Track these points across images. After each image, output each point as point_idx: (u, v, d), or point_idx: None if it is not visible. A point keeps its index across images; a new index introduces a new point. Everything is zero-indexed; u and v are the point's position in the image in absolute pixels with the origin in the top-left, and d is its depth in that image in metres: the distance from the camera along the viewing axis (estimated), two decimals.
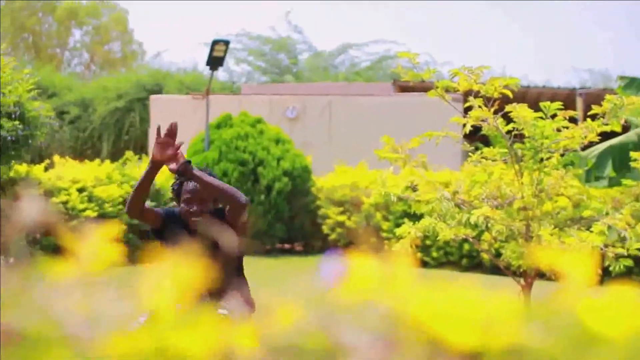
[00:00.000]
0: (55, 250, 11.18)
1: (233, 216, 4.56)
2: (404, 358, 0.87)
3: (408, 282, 0.94)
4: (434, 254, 13.01)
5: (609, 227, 6.31)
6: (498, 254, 7.22)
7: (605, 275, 5.79)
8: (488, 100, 6.47)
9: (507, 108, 6.40)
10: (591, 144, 8.29)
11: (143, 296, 0.96)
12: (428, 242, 12.60)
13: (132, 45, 45.25)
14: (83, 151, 21.03)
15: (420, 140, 7.15)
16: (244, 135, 14.48)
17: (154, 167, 4.56)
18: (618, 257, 6.19)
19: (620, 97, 6.47)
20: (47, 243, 11.31)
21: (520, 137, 6.60)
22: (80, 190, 12.12)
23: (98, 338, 0.88)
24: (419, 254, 12.56)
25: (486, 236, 7.19)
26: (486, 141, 12.82)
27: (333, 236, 14.23)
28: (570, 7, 67.55)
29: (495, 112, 6.46)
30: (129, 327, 3.32)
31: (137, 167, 13.78)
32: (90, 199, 12.18)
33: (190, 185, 4.59)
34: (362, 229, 13.67)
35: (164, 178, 11.83)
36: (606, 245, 6.21)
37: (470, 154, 7.05)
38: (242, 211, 4.53)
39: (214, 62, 14.86)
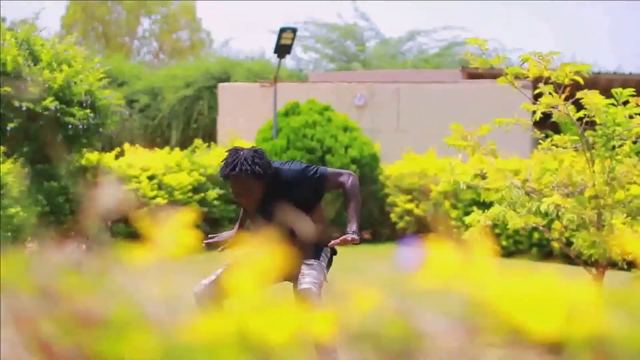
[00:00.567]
0: (127, 236, 11.32)
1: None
2: (484, 345, 0.87)
3: (487, 269, 0.93)
4: (503, 243, 12.89)
5: None
6: (569, 243, 7.14)
7: None
8: (558, 87, 6.38)
9: (578, 95, 6.30)
10: None
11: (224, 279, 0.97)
12: (497, 231, 12.49)
13: (200, 33, 45.53)
14: (152, 139, 21.22)
15: (489, 128, 7.08)
16: (311, 123, 14.49)
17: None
18: None
19: None
20: (119, 230, 11.45)
21: (591, 124, 6.49)
22: (151, 178, 12.25)
23: (178, 321, 0.89)
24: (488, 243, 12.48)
25: (557, 225, 7.11)
26: (556, 128, 12.67)
27: (401, 224, 14.19)
28: None
29: (566, 99, 6.37)
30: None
31: (205, 155, 13.88)
32: (160, 187, 12.31)
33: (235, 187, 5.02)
34: (430, 217, 13.61)
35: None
36: None
37: (540, 141, 6.96)
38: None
39: (282, 49, 14.88)
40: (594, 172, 6.57)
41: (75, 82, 10.95)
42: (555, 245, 11.63)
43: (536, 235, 12.52)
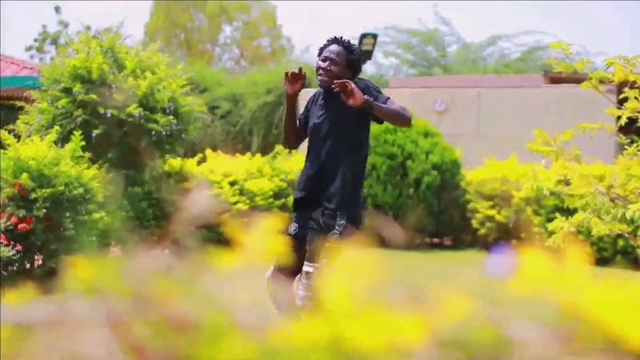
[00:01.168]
0: (211, 241, 11.42)
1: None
2: (578, 354, 0.85)
3: (580, 276, 0.92)
4: (587, 250, 12.70)
5: None
6: None
7: None
8: None
9: None
10: None
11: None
12: (581, 238, 12.31)
13: (281, 40, 45.85)
14: (234, 145, 21.40)
15: (573, 133, 6.99)
16: (392, 128, 14.47)
17: (289, 99, 5.30)
18: None
19: None
20: (203, 235, 11.56)
21: None
22: (232, 184, 12.36)
23: (269, 326, 0.90)
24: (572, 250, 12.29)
25: None
26: None
27: (482, 230, 14.07)
28: None
29: None
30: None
31: (287, 161, 13.95)
32: (241, 192, 12.41)
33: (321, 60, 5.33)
34: (512, 223, 13.47)
35: None
36: None
37: (625, 147, 6.85)
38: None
39: (363, 55, 14.90)
40: None
41: (158, 89, 11.10)
42: None
43: (621, 242, 12.32)
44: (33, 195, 9.00)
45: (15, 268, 9.00)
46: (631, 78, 6.29)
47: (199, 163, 12.66)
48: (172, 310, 0.91)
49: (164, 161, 11.77)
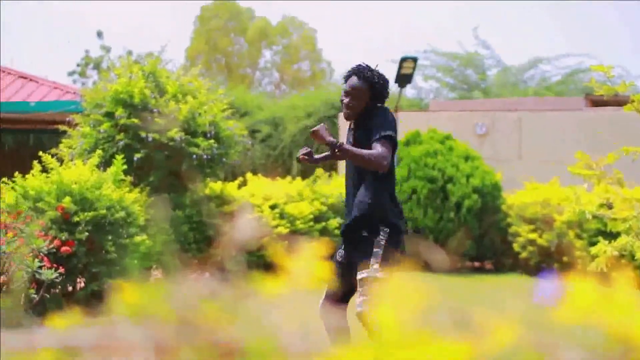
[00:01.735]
0: (256, 265, 11.44)
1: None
2: None
3: (628, 302, 0.91)
4: (631, 275, 12.54)
5: None
6: None
7: None
8: None
9: None
10: None
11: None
12: (624, 262, 12.17)
13: (321, 63, 45.96)
14: (274, 169, 21.46)
15: (615, 156, 6.93)
16: (432, 152, 14.44)
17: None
18: None
19: None
20: (245, 258, 11.58)
21: None
22: (273, 207, 12.37)
23: (316, 352, 0.90)
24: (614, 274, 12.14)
25: None
26: None
27: (524, 254, 13.96)
28: None
29: None
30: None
31: (327, 184, 13.95)
32: (282, 216, 12.41)
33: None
34: (554, 247, 13.35)
35: None
36: None
37: None
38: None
39: (403, 79, 14.91)
40: None
41: (199, 113, 11.17)
42: None
43: None
44: (75, 219, 9.08)
45: (57, 290, 9.08)
46: None
47: (239, 186, 12.68)
48: (219, 335, 0.92)
49: (204, 185, 11.82)
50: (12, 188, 9.61)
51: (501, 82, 25.57)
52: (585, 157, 7.42)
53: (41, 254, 8.32)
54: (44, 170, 9.75)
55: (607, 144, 13.71)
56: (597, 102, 17.30)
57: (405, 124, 16.28)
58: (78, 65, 36.61)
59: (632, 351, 0.85)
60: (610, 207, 7.12)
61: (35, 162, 9.81)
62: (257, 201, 12.37)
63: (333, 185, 13.92)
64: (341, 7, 68.89)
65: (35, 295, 8.34)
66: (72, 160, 10.82)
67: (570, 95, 22.69)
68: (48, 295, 8.77)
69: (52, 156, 10.33)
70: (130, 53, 33.06)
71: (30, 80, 18.28)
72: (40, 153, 10.28)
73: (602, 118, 16.07)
